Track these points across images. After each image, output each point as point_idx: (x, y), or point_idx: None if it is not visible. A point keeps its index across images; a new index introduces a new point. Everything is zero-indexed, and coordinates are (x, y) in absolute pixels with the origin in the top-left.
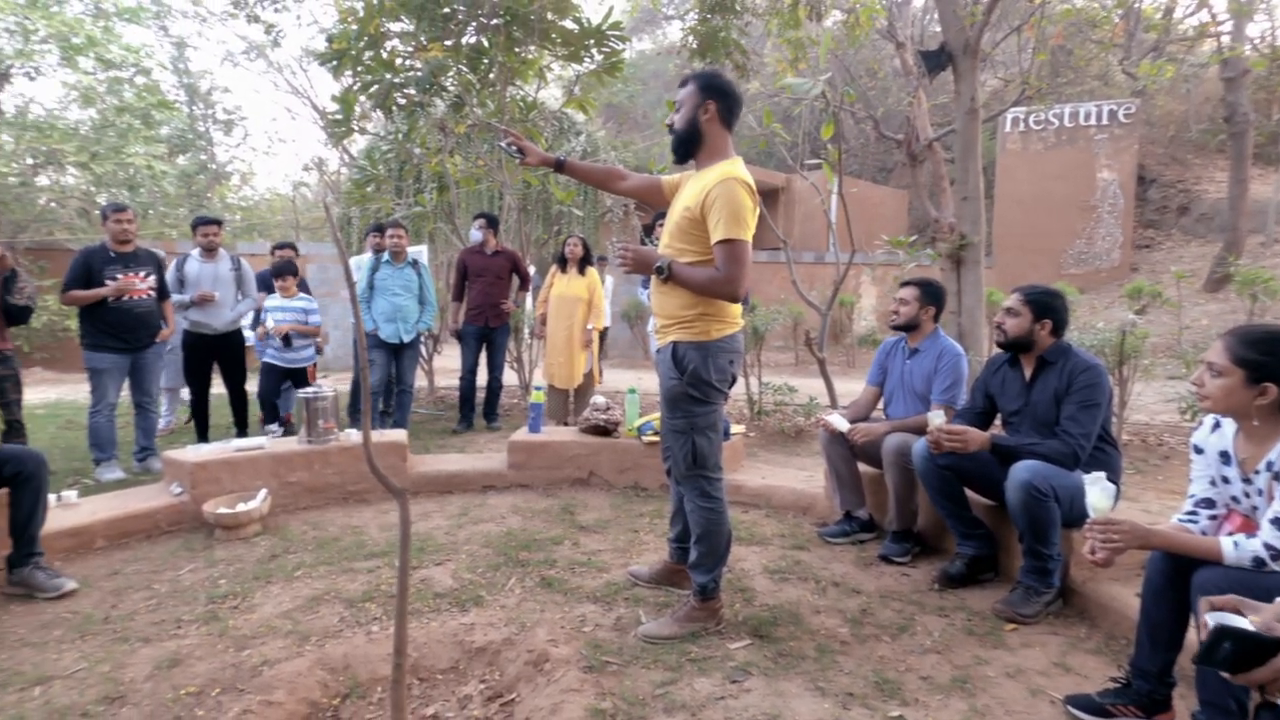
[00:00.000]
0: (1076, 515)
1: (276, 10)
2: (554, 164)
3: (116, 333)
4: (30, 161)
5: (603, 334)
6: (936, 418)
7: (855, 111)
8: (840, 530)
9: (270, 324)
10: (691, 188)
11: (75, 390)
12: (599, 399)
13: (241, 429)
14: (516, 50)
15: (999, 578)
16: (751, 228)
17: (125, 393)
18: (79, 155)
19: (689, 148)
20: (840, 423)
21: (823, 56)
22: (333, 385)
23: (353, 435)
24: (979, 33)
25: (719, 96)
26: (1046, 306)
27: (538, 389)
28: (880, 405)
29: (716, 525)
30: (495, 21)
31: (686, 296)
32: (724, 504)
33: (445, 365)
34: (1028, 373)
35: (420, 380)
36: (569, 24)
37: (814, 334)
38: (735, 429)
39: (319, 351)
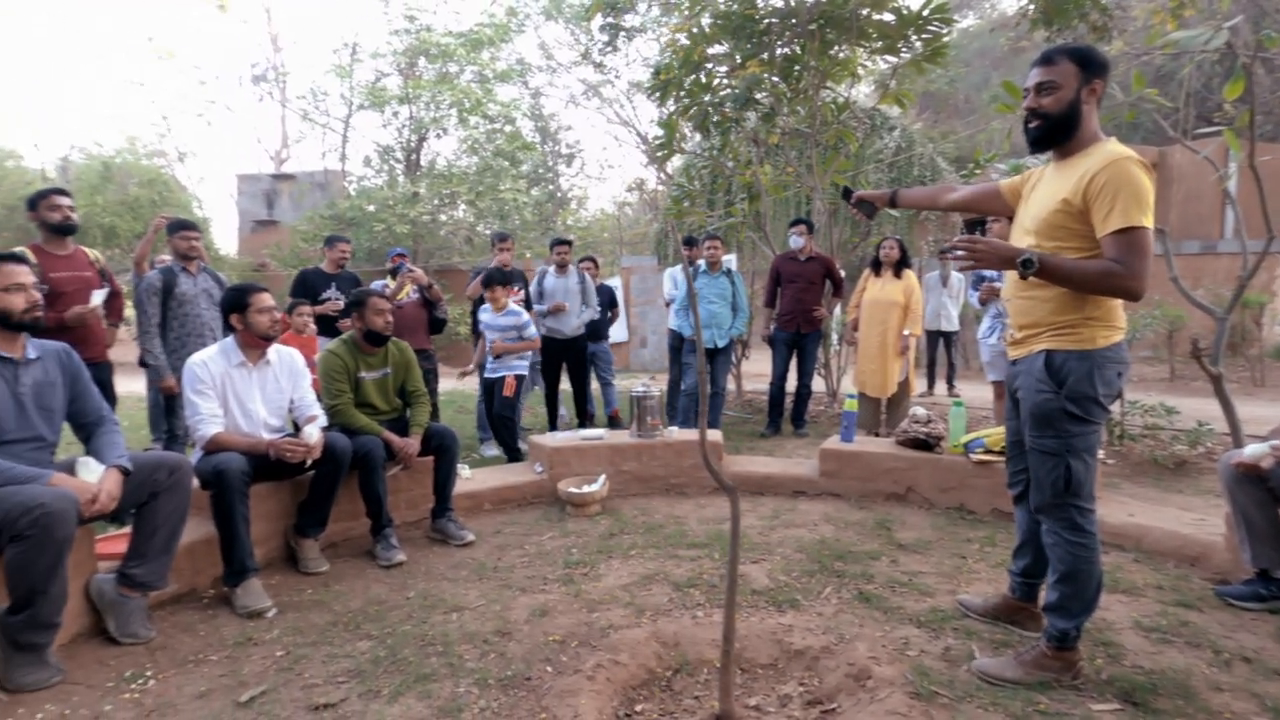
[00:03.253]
0: None
1: (614, 52)
2: (889, 201)
3: None
4: (436, 203)
5: (948, 338)
6: None
7: (1273, 58)
8: (1251, 592)
9: (488, 343)
10: (1062, 178)
11: (464, 383)
12: (919, 410)
13: (582, 420)
14: (830, 53)
15: None
16: (1153, 213)
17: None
18: (468, 194)
19: (1061, 134)
20: (1259, 451)
21: None
22: (659, 386)
23: (674, 432)
24: None
25: (1101, 72)
26: None
27: (850, 397)
28: None
29: (1087, 564)
30: (810, 27)
31: (1066, 298)
32: (1097, 540)
33: (750, 370)
34: None
35: (729, 384)
36: (887, 16)
37: (1204, 343)
38: None
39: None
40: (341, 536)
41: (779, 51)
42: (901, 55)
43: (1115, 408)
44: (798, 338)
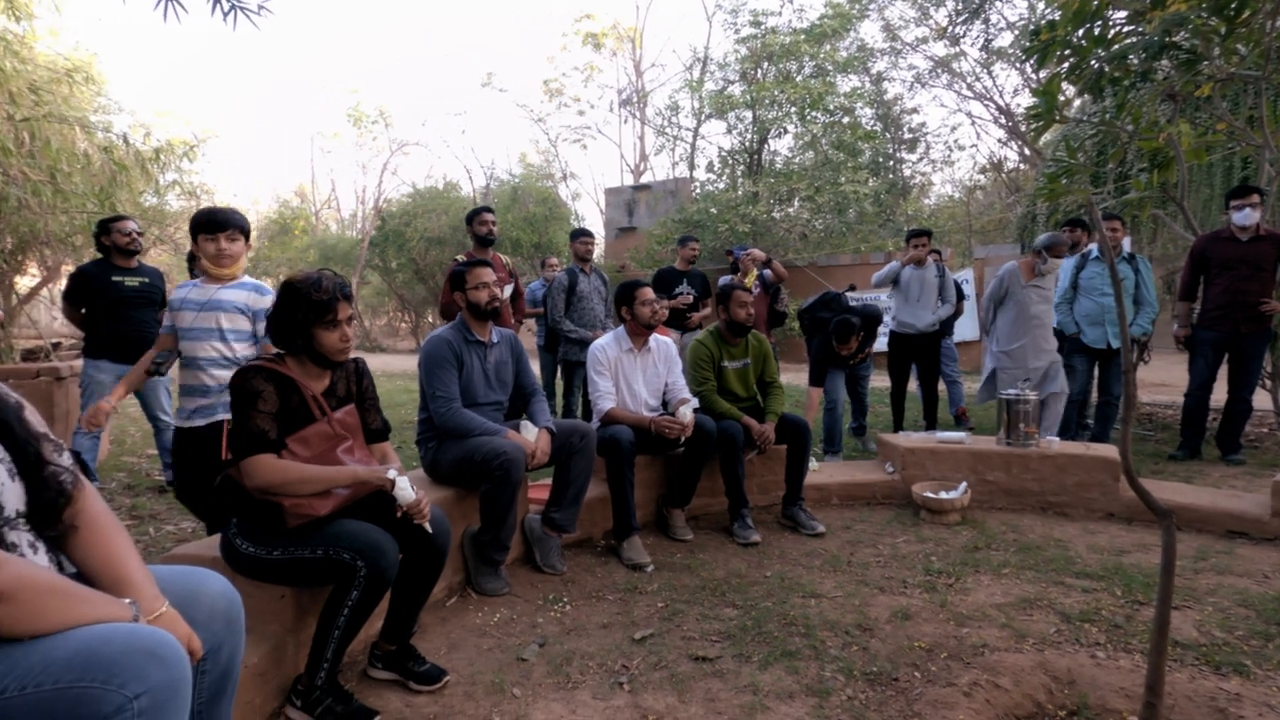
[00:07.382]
0: None
1: (977, 20)
2: None
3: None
4: (772, 200)
5: None
6: None
7: None
8: None
9: None
10: None
11: (797, 378)
12: None
13: (931, 423)
14: None
15: None
16: None
17: None
18: (807, 190)
19: None
20: None
21: None
22: (1033, 390)
23: (1054, 443)
24: None
25: None
26: None
27: None
28: None
29: None
30: None
31: None
32: None
33: (1146, 377)
34: None
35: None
36: None
37: None
38: None
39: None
40: (702, 511)
41: None
42: None
43: None
44: (1234, 339)
